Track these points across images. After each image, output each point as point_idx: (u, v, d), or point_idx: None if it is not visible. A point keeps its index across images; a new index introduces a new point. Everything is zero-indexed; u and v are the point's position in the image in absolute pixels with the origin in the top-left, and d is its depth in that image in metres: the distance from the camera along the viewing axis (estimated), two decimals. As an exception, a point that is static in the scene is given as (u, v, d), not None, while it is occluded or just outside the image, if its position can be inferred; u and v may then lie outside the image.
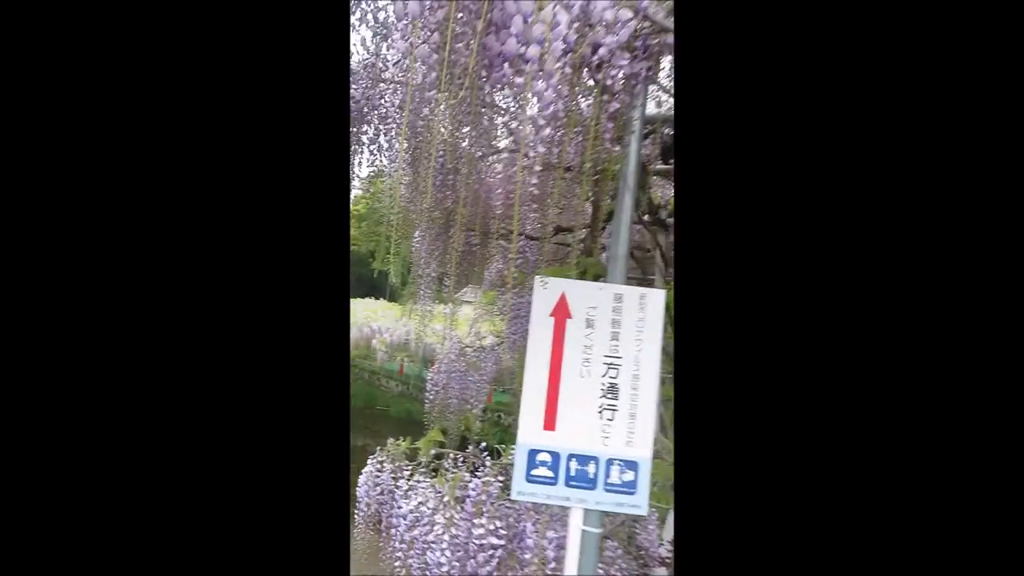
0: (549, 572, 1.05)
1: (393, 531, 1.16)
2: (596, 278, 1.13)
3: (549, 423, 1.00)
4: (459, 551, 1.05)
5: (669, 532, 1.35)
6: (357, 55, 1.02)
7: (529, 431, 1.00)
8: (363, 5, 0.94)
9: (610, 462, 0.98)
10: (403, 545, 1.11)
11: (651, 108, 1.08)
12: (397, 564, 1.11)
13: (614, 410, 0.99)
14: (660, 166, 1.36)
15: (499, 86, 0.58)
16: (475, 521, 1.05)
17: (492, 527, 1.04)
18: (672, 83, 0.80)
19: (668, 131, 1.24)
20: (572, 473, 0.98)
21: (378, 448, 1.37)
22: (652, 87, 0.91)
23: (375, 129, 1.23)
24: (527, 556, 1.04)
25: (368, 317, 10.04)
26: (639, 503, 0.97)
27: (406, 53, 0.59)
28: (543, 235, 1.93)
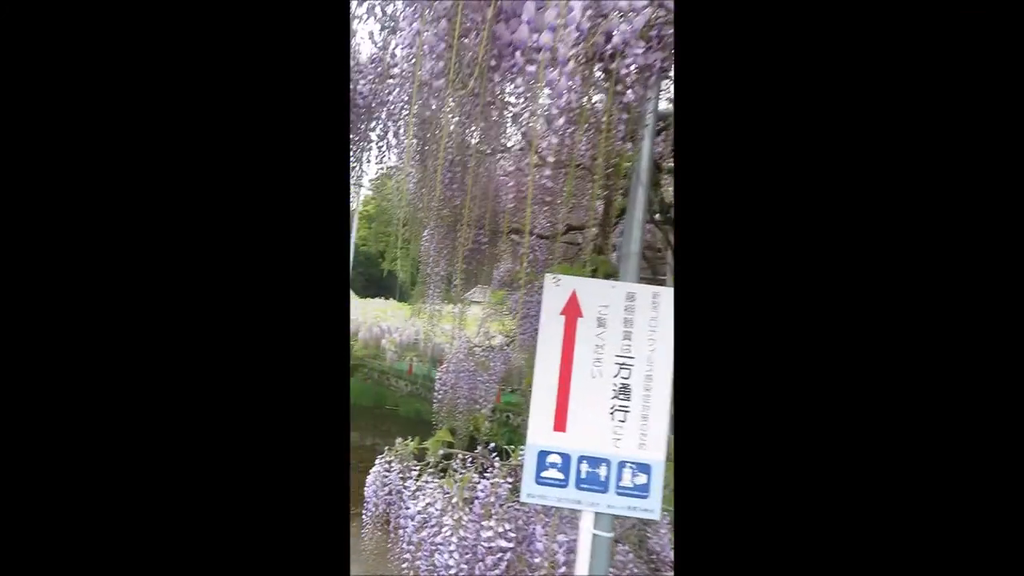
0: (559, 576, 1.03)
1: (401, 532, 1.15)
2: (607, 276, 1.11)
3: (559, 424, 0.98)
4: (467, 553, 1.03)
5: (682, 536, 1.32)
6: (365, 50, 1.01)
7: (539, 432, 0.97)
8: (371, -1, 0.93)
9: (622, 464, 0.96)
10: (411, 546, 1.09)
11: (664, 104, 1.05)
12: (405, 566, 1.09)
13: (626, 411, 0.97)
14: (673, 163, 1.33)
15: (510, 76, 0.56)
16: (484, 523, 1.03)
17: (501, 530, 1.02)
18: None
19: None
20: (583, 475, 0.96)
21: (386, 448, 1.35)
22: (666, 82, 0.89)
23: (383, 126, 1.22)
24: (537, 560, 1.02)
25: (378, 317, 10.09)
26: (652, 507, 0.95)
27: (413, 42, 0.57)
28: (553, 233, 1.92)
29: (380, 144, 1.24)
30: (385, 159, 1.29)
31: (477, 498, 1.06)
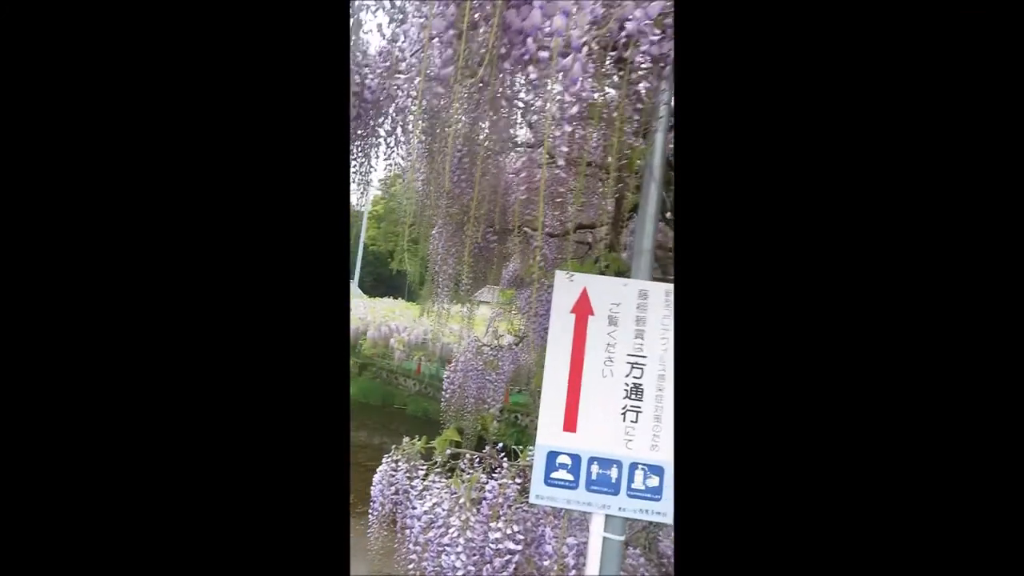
0: (568, 579, 1.01)
1: (407, 532, 1.13)
2: (619, 274, 1.09)
3: (570, 424, 0.96)
4: (475, 555, 1.01)
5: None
6: (374, 43, 1.00)
7: (549, 432, 0.96)
8: (379, -11, 0.92)
9: (634, 466, 0.94)
10: (417, 547, 1.08)
11: (678, 98, 1.03)
12: (411, 566, 1.08)
13: (638, 412, 0.95)
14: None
15: (521, 65, 0.54)
16: (491, 524, 1.01)
17: (509, 531, 1.00)
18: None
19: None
20: (594, 477, 0.94)
21: (393, 447, 1.34)
22: (680, 73, 0.86)
23: (392, 121, 1.20)
24: (546, 563, 1.00)
25: (386, 316, 10.13)
26: (665, 510, 0.93)
27: (420, 31, 0.56)
28: (563, 231, 1.90)
29: (388, 140, 1.23)
30: (393, 155, 1.27)
31: (485, 499, 1.04)
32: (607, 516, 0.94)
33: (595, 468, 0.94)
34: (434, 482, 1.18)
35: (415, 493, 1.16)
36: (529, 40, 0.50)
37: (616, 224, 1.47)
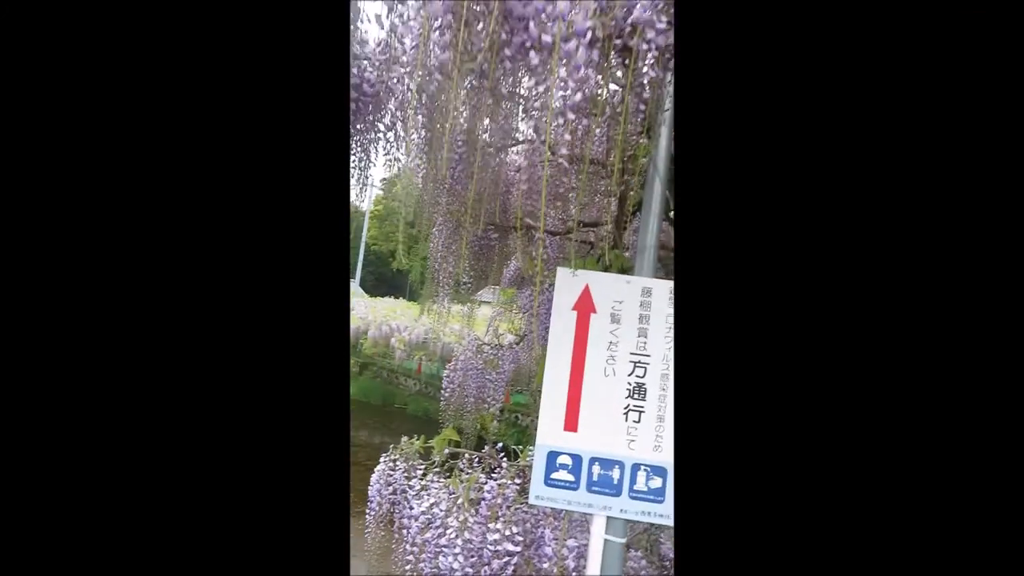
0: (568, 582, 0.99)
1: (405, 532, 1.11)
2: (622, 272, 1.07)
3: (571, 424, 0.94)
4: (473, 556, 0.99)
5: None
6: (373, 34, 0.98)
7: (549, 432, 0.94)
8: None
9: (636, 467, 0.92)
10: (414, 548, 1.06)
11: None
12: (408, 567, 1.06)
13: (641, 411, 0.93)
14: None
15: (523, 51, 0.52)
16: (490, 526, 0.99)
17: (508, 533, 0.98)
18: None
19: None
20: (595, 478, 0.92)
21: (391, 446, 1.33)
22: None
23: (392, 116, 1.18)
24: (545, 565, 0.98)
25: (387, 316, 10.12)
26: (668, 512, 0.91)
27: (418, 16, 0.54)
28: (565, 229, 1.88)
29: (388, 135, 1.21)
30: (393, 151, 1.26)
31: (484, 499, 1.03)
32: (608, 518, 0.92)
33: (596, 469, 0.92)
34: (432, 482, 1.16)
35: (413, 493, 1.15)
36: (531, 25, 0.48)
37: (619, 222, 1.45)
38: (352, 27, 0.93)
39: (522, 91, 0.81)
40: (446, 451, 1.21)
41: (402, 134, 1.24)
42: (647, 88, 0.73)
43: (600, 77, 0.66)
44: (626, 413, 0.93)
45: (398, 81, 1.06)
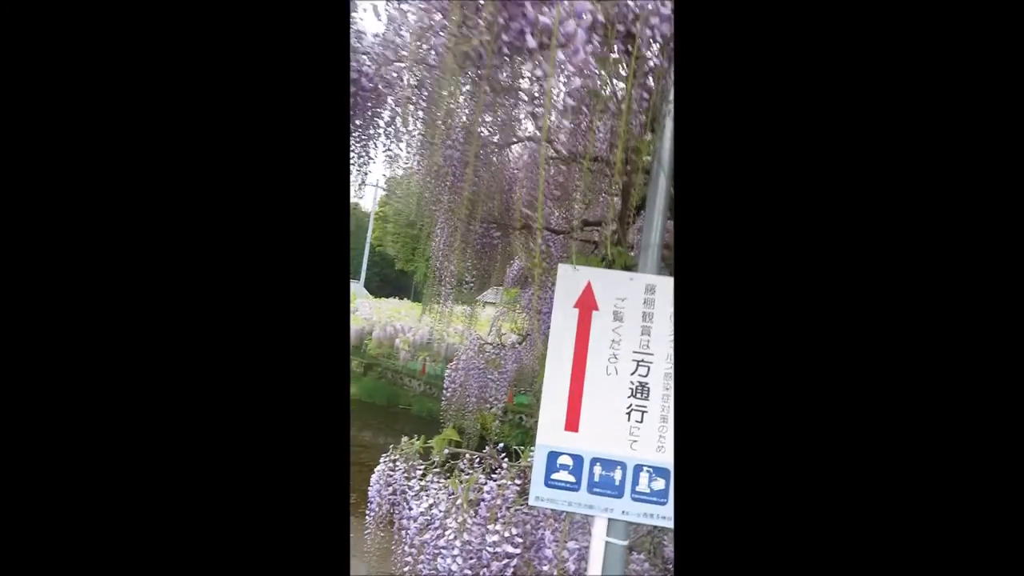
0: (569, 585, 0.97)
1: (404, 533, 1.10)
2: (626, 269, 1.05)
3: (571, 423, 0.92)
4: (472, 558, 0.98)
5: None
6: (370, 27, 0.97)
7: (549, 431, 0.92)
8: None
9: (638, 468, 0.89)
10: (413, 549, 1.04)
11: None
12: (407, 569, 1.04)
13: (643, 411, 0.90)
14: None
15: (520, 35, 0.50)
16: (489, 527, 0.97)
17: (507, 534, 0.97)
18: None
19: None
20: (596, 479, 0.90)
21: (391, 446, 1.31)
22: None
23: (391, 112, 1.17)
24: (545, 568, 0.96)
25: (391, 316, 10.12)
26: (671, 514, 0.88)
27: (419, 9, 0.52)
28: (568, 228, 1.86)
29: (388, 130, 1.20)
30: (392, 147, 1.24)
31: (483, 500, 1.01)
32: (610, 520, 0.89)
33: (598, 469, 0.90)
34: (432, 482, 1.15)
35: (412, 494, 1.13)
36: (528, 6, 0.47)
37: (623, 219, 1.43)
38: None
39: (522, 83, 0.79)
40: (446, 451, 1.19)
41: (402, 130, 1.23)
42: (651, 78, 0.71)
43: (602, 70, 0.64)
44: (628, 413, 0.91)
45: (397, 75, 1.05)
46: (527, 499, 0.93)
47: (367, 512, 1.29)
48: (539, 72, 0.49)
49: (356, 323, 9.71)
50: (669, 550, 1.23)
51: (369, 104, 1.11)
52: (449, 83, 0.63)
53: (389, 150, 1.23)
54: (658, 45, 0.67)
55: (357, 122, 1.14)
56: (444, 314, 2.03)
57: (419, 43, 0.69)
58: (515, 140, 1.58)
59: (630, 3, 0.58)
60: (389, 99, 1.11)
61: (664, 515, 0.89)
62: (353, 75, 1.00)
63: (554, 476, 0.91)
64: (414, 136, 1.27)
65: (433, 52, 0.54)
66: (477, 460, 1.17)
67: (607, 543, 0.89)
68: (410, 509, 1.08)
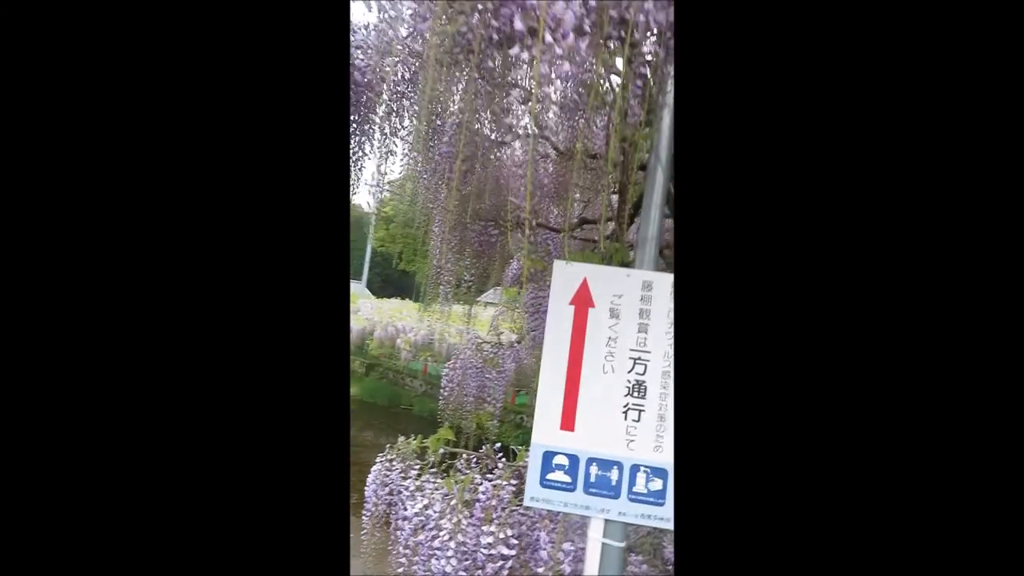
0: (565, 588, 0.95)
1: (399, 534, 1.08)
2: (623, 265, 1.03)
3: (567, 422, 0.90)
4: (466, 560, 0.96)
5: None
6: (363, 19, 0.95)
7: (545, 431, 0.90)
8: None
9: (635, 468, 0.88)
10: (407, 550, 1.03)
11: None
12: (401, 570, 1.03)
13: (641, 410, 0.89)
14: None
15: (508, 18, 0.49)
16: (484, 528, 0.96)
17: (502, 535, 0.95)
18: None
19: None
20: (592, 479, 0.88)
21: (387, 446, 1.30)
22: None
23: (387, 107, 1.16)
24: (540, 569, 0.94)
25: (393, 317, 10.12)
26: (668, 515, 0.86)
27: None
28: (566, 227, 1.84)
29: (383, 126, 1.18)
30: (389, 143, 1.23)
31: (478, 501, 0.99)
32: (606, 521, 0.88)
33: (594, 469, 0.89)
34: (427, 482, 1.13)
35: (407, 494, 1.11)
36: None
37: (620, 216, 1.41)
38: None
39: (516, 74, 0.78)
40: (441, 451, 1.17)
41: (398, 125, 1.21)
42: (646, 68, 0.69)
43: (596, 60, 0.62)
44: (625, 412, 0.89)
45: (391, 69, 1.03)
46: (523, 500, 0.91)
47: (363, 513, 1.27)
48: (525, 56, 0.48)
49: (358, 323, 9.71)
50: (669, 551, 1.21)
51: (364, 99, 1.09)
52: (437, 68, 0.61)
53: (385, 146, 1.22)
54: (654, 35, 0.65)
55: (353, 117, 1.13)
56: (443, 314, 2.02)
57: (411, 34, 0.67)
58: (511, 136, 1.56)
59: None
60: (384, 94, 1.10)
61: (662, 516, 0.87)
62: (346, 69, 0.99)
63: (549, 476, 0.89)
64: (408, 132, 1.26)
65: (420, 38, 0.53)
66: (474, 460, 1.15)
67: (604, 544, 0.87)
68: (405, 509, 1.07)
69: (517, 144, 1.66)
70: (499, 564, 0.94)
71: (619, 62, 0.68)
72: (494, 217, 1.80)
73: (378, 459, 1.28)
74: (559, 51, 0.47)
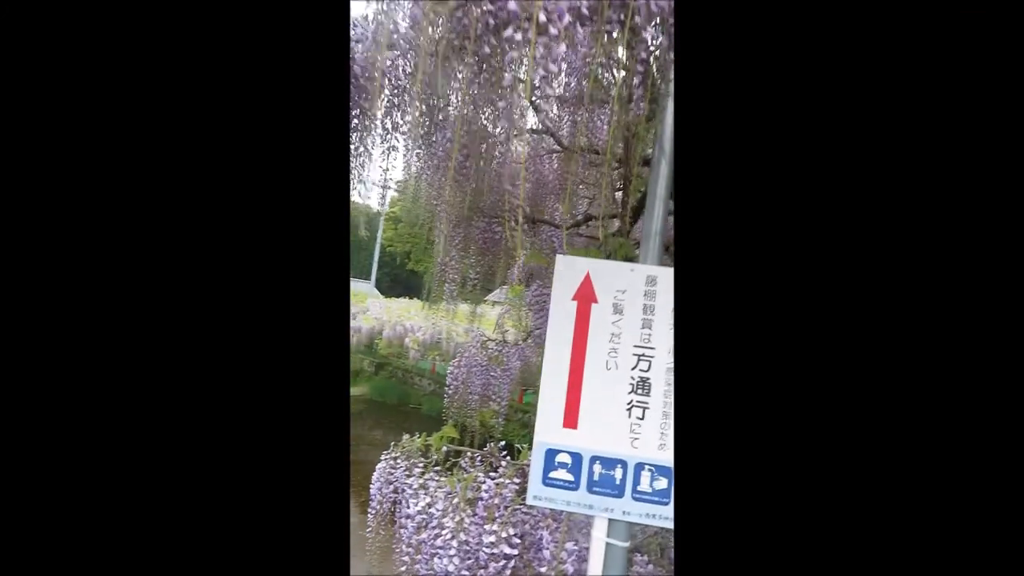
0: (569, 587, 0.93)
1: (402, 532, 1.07)
2: (626, 260, 1.01)
3: (570, 420, 0.89)
4: (469, 558, 0.95)
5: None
6: (362, 10, 0.95)
7: (547, 428, 0.89)
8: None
9: (640, 467, 0.86)
10: (410, 548, 1.02)
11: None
12: (403, 568, 1.02)
13: (645, 407, 0.87)
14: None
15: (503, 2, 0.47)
16: (486, 527, 0.95)
17: (505, 534, 0.94)
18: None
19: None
20: (596, 477, 0.86)
21: (392, 443, 1.29)
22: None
23: (388, 102, 1.15)
24: (543, 569, 0.93)
25: (401, 316, 10.15)
26: (673, 515, 0.85)
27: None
28: (572, 223, 1.82)
29: (385, 121, 1.17)
30: (390, 138, 1.22)
31: (481, 499, 0.98)
32: (610, 520, 0.86)
33: (597, 468, 0.87)
34: (431, 480, 1.12)
35: (411, 492, 1.11)
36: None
37: (623, 212, 1.39)
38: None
39: (512, 60, 0.76)
40: (444, 449, 1.16)
41: (399, 121, 1.20)
42: (648, 55, 0.67)
43: (595, 46, 0.60)
44: (629, 409, 0.88)
45: (392, 63, 1.02)
46: (525, 498, 0.90)
47: (369, 510, 1.27)
48: (519, 37, 0.46)
49: (367, 322, 9.76)
50: (676, 552, 1.19)
51: (364, 96, 1.08)
52: (430, 59, 0.60)
53: (387, 141, 1.21)
54: (655, 23, 0.63)
55: (353, 112, 1.12)
56: (449, 312, 2.01)
57: (412, 26, 0.66)
58: (509, 124, 1.55)
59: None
60: (385, 89, 1.09)
61: (667, 516, 0.85)
62: (345, 64, 0.98)
63: (552, 474, 0.88)
64: (410, 128, 1.25)
65: (417, 27, 0.52)
66: (479, 458, 1.14)
67: (607, 544, 0.85)
68: (407, 508, 1.06)
69: (519, 138, 1.65)
70: (501, 563, 0.93)
71: (621, 52, 0.66)
72: (498, 214, 1.79)
73: (383, 457, 1.28)
74: (554, 31, 0.46)
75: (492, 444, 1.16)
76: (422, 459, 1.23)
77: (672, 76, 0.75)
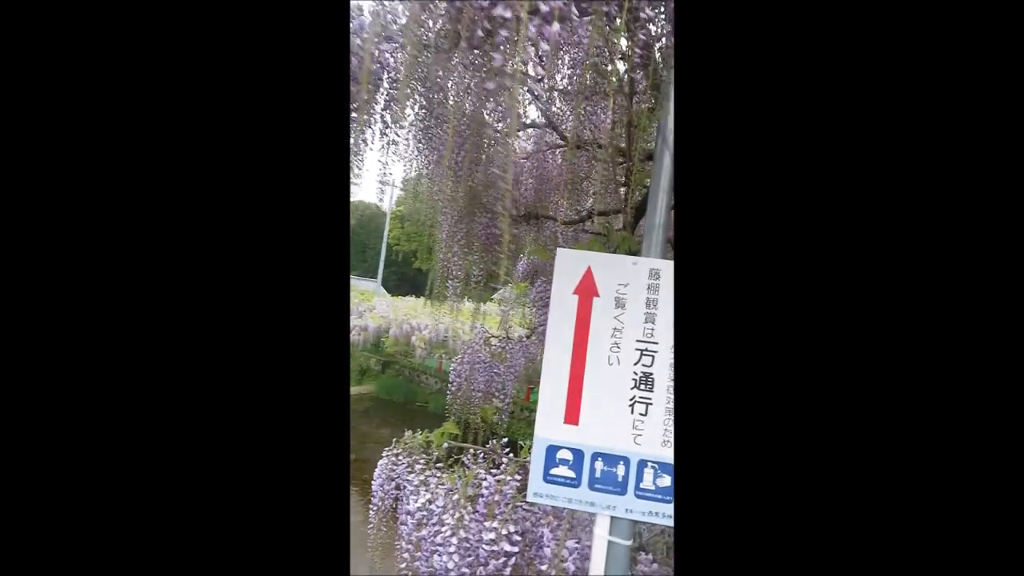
0: (571, 586, 0.92)
1: (402, 529, 1.07)
2: (629, 254, 0.99)
3: (571, 416, 0.87)
4: (469, 556, 0.94)
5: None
6: (359, 6, 0.93)
7: (548, 424, 0.87)
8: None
9: (642, 463, 0.84)
10: (410, 545, 1.01)
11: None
12: (403, 566, 1.01)
13: (648, 403, 0.85)
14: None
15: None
16: (486, 524, 0.93)
17: (505, 532, 0.92)
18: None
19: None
20: (598, 474, 0.85)
21: (394, 440, 1.29)
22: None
23: (387, 96, 1.14)
24: (544, 567, 0.92)
25: (408, 314, 10.19)
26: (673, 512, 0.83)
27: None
28: (577, 219, 1.80)
29: (384, 115, 1.16)
30: (390, 132, 1.21)
31: (482, 496, 0.97)
32: (612, 518, 0.85)
33: (599, 465, 0.86)
34: (432, 477, 1.11)
35: (411, 488, 1.10)
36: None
37: (627, 206, 1.37)
38: None
39: (507, 51, 0.75)
40: (445, 445, 1.15)
41: (399, 116, 1.19)
42: (650, 44, 0.65)
43: (592, 32, 0.59)
44: (632, 405, 0.86)
45: (391, 56, 1.01)
46: (526, 495, 0.89)
47: (370, 507, 1.26)
48: (509, 14, 0.45)
49: (374, 321, 9.80)
50: (681, 550, 1.17)
51: (363, 89, 1.07)
52: (420, 49, 0.59)
53: (385, 135, 1.20)
54: (657, 10, 0.62)
55: (353, 104, 1.11)
56: (453, 309, 2.00)
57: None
58: (506, 115, 1.53)
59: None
60: (384, 82, 1.08)
61: (670, 514, 0.83)
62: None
63: (553, 471, 0.86)
64: (411, 122, 1.24)
65: (416, 20, 0.51)
66: (481, 455, 1.13)
67: (609, 543, 0.84)
68: (408, 505, 1.05)
69: (521, 134, 1.63)
70: (502, 560, 0.92)
71: (623, 43, 0.65)
72: (498, 209, 1.78)
73: (384, 453, 1.27)
74: (544, 8, 0.44)
75: (495, 441, 1.15)
76: (424, 455, 1.22)
77: (673, 63, 0.74)
